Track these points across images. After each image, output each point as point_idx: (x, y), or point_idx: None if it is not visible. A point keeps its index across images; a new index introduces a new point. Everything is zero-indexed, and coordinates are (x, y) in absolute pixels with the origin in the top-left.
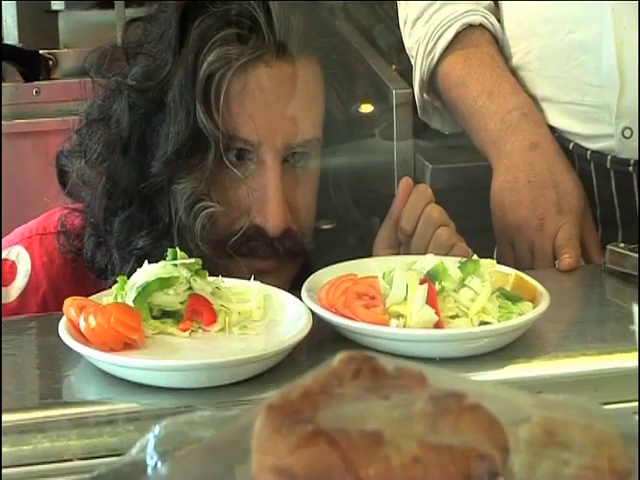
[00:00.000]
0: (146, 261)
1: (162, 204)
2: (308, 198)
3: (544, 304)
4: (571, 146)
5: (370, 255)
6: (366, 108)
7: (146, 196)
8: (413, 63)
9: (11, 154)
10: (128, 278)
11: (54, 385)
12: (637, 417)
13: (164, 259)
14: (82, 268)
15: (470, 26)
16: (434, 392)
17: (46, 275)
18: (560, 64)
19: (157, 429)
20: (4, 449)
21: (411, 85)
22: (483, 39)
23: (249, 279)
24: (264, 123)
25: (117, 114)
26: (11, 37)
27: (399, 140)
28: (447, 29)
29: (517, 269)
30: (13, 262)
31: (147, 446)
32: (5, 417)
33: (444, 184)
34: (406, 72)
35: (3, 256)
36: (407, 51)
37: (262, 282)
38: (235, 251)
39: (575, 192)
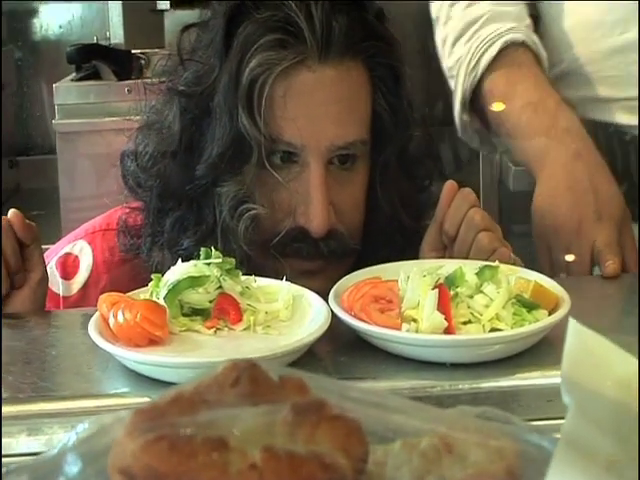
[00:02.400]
0: (180, 260)
1: (207, 206)
2: (354, 199)
3: (560, 313)
4: (629, 138)
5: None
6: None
7: (193, 198)
8: (454, 83)
9: (104, 150)
10: None
11: (78, 378)
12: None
13: None
14: (141, 264)
15: (513, 44)
16: (298, 402)
17: (107, 270)
18: (615, 64)
19: (80, 427)
20: (21, 437)
21: None
22: (525, 57)
23: (294, 280)
24: (307, 126)
25: (169, 119)
26: (117, 37)
27: None
28: (490, 46)
29: (552, 274)
30: (76, 256)
31: (68, 443)
32: (23, 407)
33: (527, 186)
34: None
35: (67, 250)
36: (446, 71)
37: (309, 283)
38: (280, 252)
39: (615, 200)
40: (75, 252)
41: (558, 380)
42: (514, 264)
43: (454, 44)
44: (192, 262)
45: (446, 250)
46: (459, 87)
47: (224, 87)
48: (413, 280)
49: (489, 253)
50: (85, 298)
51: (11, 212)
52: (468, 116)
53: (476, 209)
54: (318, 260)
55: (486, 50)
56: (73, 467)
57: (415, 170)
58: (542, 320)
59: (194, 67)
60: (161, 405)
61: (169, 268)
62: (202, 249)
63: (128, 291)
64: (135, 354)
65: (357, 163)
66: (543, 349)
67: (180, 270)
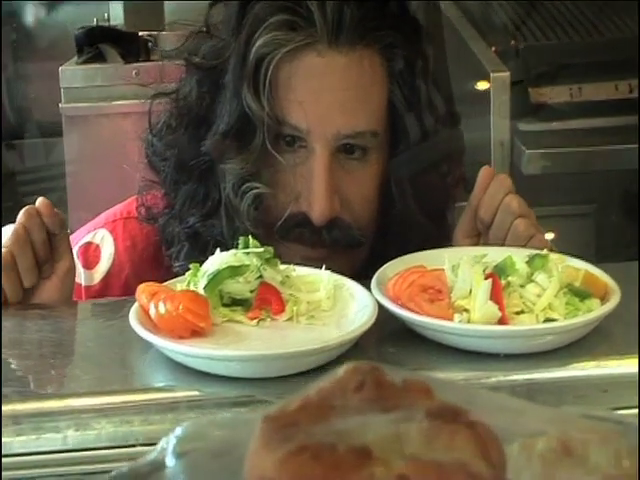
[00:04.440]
0: (218, 249)
1: (213, 182)
2: (364, 191)
3: (613, 302)
4: None
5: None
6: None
7: (201, 173)
8: None
9: (110, 134)
10: (183, 256)
11: (122, 371)
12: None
13: (211, 238)
14: (162, 252)
15: None
16: (432, 407)
17: (129, 259)
18: None
19: (178, 430)
20: (69, 432)
21: (511, 67)
22: None
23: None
24: (313, 111)
25: (186, 89)
26: (117, 19)
27: (496, 123)
28: None
29: None
30: (98, 245)
31: (167, 447)
32: (71, 401)
33: (540, 169)
34: (506, 54)
35: (88, 239)
36: None
37: None
38: (283, 236)
39: None
40: (96, 241)
41: (613, 370)
42: (551, 251)
43: None
44: (232, 251)
45: (480, 237)
46: None
47: (233, 65)
48: (463, 269)
49: (526, 240)
50: (108, 287)
51: (39, 200)
52: None
53: (512, 195)
54: (320, 248)
55: None
56: (175, 471)
57: (435, 167)
58: (597, 309)
59: (213, 41)
60: (290, 412)
61: (177, 244)
62: (241, 238)
63: (151, 280)
64: (186, 347)
65: (369, 155)
66: (595, 338)
67: (219, 260)
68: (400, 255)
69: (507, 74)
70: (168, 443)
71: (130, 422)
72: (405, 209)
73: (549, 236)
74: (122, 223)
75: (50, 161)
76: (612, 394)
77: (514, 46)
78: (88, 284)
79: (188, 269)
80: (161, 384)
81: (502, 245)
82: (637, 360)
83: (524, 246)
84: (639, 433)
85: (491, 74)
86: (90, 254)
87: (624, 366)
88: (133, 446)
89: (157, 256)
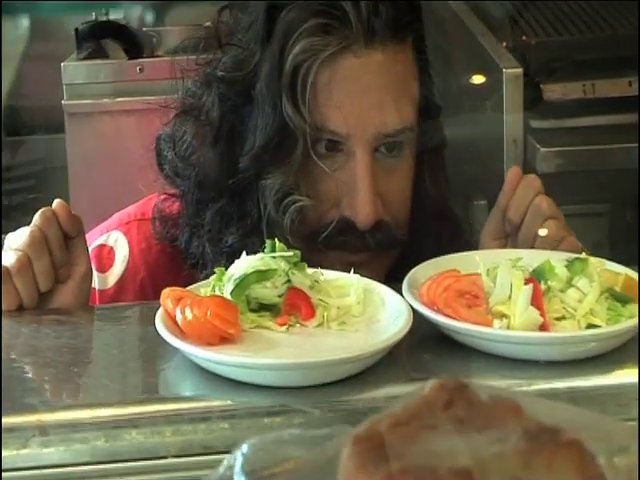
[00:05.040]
0: (244, 253)
1: (251, 199)
2: (402, 188)
3: None
4: None
5: (469, 243)
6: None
7: (235, 191)
8: None
9: (114, 132)
10: None
11: (150, 379)
12: None
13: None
14: (179, 255)
15: None
16: (529, 427)
17: (144, 262)
18: None
19: (245, 447)
20: (98, 443)
21: (523, 64)
22: None
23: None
24: (353, 114)
25: (207, 105)
26: (117, 14)
27: (508, 121)
28: None
29: None
30: (111, 248)
31: (235, 465)
32: (99, 412)
33: (555, 168)
34: (517, 49)
35: (101, 242)
36: None
37: None
38: (325, 245)
39: None
40: (110, 243)
41: None
42: (582, 253)
43: None
44: (258, 255)
45: (508, 239)
46: None
47: (266, 74)
48: (502, 274)
49: (556, 242)
50: (122, 291)
51: (56, 202)
52: None
53: (542, 196)
54: (364, 252)
55: None
56: None
57: (469, 163)
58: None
59: (233, 51)
60: (380, 432)
61: (211, 262)
62: (267, 241)
63: (167, 283)
64: (219, 355)
65: (404, 150)
66: (637, 344)
67: (246, 264)
68: (432, 253)
69: (520, 70)
70: (235, 461)
71: (161, 433)
72: (439, 200)
73: None
74: (136, 225)
75: (52, 158)
76: None
77: (526, 42)
78: (102, 288)
79: None
80: (191, 393)
81: (531, 247)
82: None
83: (554, 249)
84: (639, 435)
85: (503, 70)
86: (104, 257)
87: None
88: (164, 457)
89: (173, 259)
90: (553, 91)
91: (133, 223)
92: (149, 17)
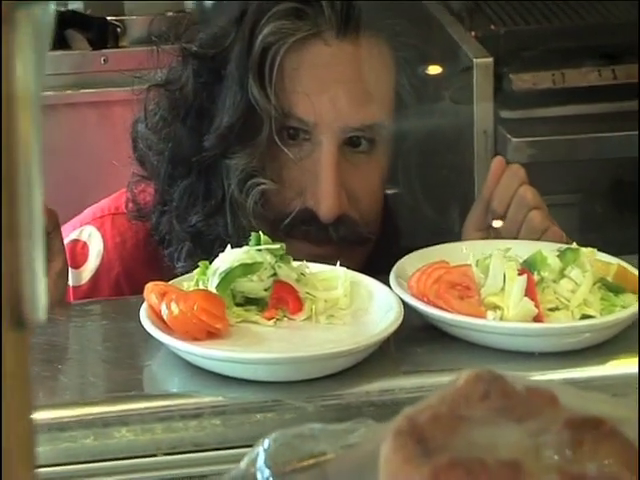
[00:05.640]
0: (229, 246)
1: (216, 179)
2: (370, 185)
3: None
4: None
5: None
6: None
7: (202, 169)
8: None
9: (77, 124)
10: (185, 255)
11: (136, 375)
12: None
13: (216, 236)
14: (154, 249)
15: None
16: (571, 417)
17: (119, 256)
18: None
19: (266, 442)
20: (87, 442)
21: (492, 53)
22: None
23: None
24: (320, 103)
25: (182, 80)
26: (75, 4)
27: (479, 112)
28: None
29: None
30: (85, 243)
31: (257, 460)
32: (87, 409)
33: (527, 158)
34: (487, 39)
35: (74, 237)
36: None
37: None
38: (288, 234)
39: None
40: (83, 238)
41: None
42: (567, 244)
43: None
44: (244, 248)
45: (491, 230)
46: None
47: (236, 54)
48: (495, 265)
49: (541, 232)
50: (96, 287)
51: None
52: None
53: (527, 186)
54: (327, 246)
55: None
56: None
57: (441, 159)
58: (633, 304)
59: (210, 29)
60: (421, 424)
61: (176, 240)
62: (253, 234)
63: (143, 278)
64: (211, 350)
65: (376, 147)
66: (630, 335)
67: (231, 257)
68: (406, 251)
69: (490, 60)
70: (257, 456)
71: (151, 430)
72: (413, 202)
73: None
74: (110, 219)
75: None
76: None
77: (494, 31)
78: (76, 284)
79: (191, 269)
80: (179, 389)
81: (515, 238)
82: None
83: (539, 239)
84: (639, 431)
85: (474, 60)
86: (77, 252)
87: None
88: (155, 455)
89: (148, 253)
90: (523, 81)
91: (107, 217)
92: (111, 7)
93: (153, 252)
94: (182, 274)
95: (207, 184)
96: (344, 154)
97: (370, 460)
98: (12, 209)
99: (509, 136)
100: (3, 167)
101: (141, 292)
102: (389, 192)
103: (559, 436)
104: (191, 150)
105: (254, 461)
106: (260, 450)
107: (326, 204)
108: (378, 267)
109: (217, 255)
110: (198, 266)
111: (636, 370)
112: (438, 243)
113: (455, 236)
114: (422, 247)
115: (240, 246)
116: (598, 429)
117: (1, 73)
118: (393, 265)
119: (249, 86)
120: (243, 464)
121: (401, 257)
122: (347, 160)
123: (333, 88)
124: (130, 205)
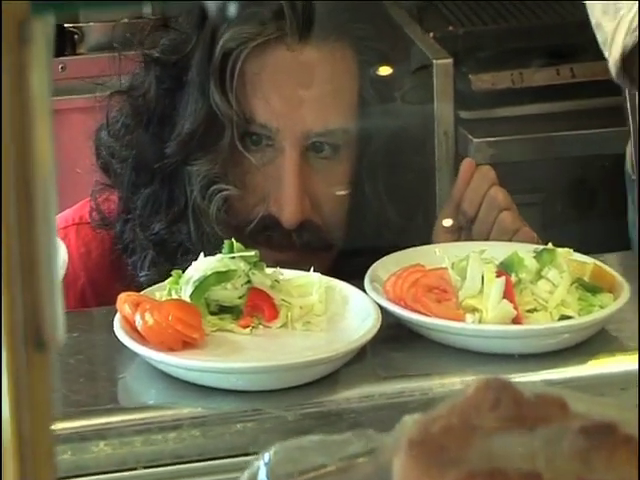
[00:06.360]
0: (202, 254)
1: (178, 186)
2: (334, 190)
3: (625, 295)
4: None
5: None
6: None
7: (165, 176)
8: (610, 31)
9: None
10: (148, 264)
11: (111, 388)
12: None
13: (179, 244)
14: (119, 259)
15: None
16: (585, 424)
17: (84, 267)
18: None
19: (267, 456)
20: (64, 457)
21: (451, 54)
22: None
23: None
24: (283, 108)
25: (145, 86)
26: None
27: (439, 112)
28: None
29: None
30: None
31: (258, 474)
32: (63, 424)
33: (489, 158)
34: (446, 40)
35: None
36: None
37: None
38: (251, 239)
39: None
40: None
41: (632, 367)
42: (538, 244)
43: None
44: (217, 256)
45: (462, 231)
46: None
47: (197, 60)
48: (472, 267)
49: (512, 233)
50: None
51: None
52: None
53: (497, 187)
54: (289, 252)
55: None
56: None
57: (406, 164)
58: (611, 304)
59: (172, 34)
60: (434, 435)
61: (140, 249)
62: (225, 242)
63: (109, 288)
64: (189, 361)
65: (340, 153)
66: (608, 333)
67: (204, 265)
68: (373, 256)
69: (450, 60)
70: (258, 470)
71: (130, 443)
72: (377, 206)
73: None
74: (75, 229)
75: None
76: (631, 392)
77: (452, 32)
78: None
79: (155, 279)
80: (157, 401)
81: (486, 239)
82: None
83: (510, 239)
84: (639, 428)
85: (434, 61)
86: None
87: None
88: (134, 469)
89: (113, 263)
90: (482, 81)
91: (71, 227)
92: (66, 14)
93: (118, 262)
94: (146, 283)
95: (170, 191)
96: (307, 160)
97: (382, 470)
98: (32, 233)
99: (470, 136)
100: (22, 183)
101: (107, 302)
102: (352, 196)
103: (575, 443)
104: (154, 157)
105: (255, 475)
106: (261, 464)
107: (289, 210)
108: (343, 272)
109: (181, 263)
110: (162, 275)
111: (614, 370)
112: (405, 247)
113: (421, 238)
114: (388, 251)
115: (205, 253)
116: (613, 435)
117: (19, 84)
118: (359, 270)
119: (210, 92)
120: (244, 478)
121: (367, 262)
122: (310, 165)
123: (295, 93)
124: (94, 214)
